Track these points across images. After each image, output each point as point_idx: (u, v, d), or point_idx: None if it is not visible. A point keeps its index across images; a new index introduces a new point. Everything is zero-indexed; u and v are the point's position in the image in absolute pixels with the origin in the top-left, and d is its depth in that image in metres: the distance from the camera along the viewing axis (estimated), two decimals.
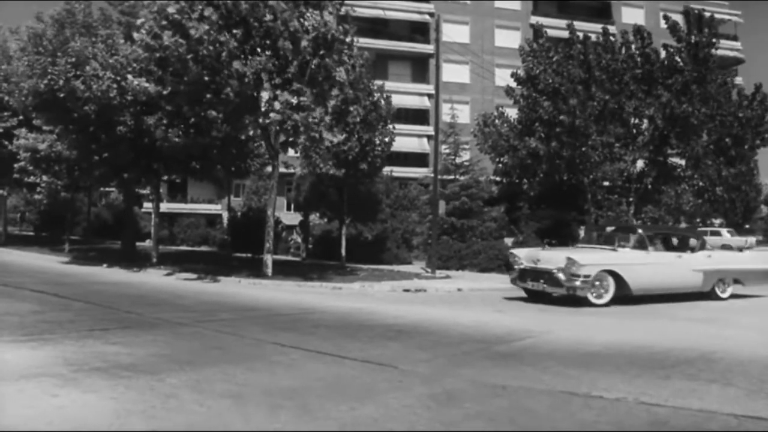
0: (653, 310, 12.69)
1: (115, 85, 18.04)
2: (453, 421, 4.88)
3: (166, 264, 19.85)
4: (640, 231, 14.40)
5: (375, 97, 21.39)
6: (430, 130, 43.54)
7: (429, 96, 47.41)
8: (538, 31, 28.47)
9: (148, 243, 27.48)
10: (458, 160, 28.98)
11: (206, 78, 15.87)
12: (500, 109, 29.06)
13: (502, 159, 28.49)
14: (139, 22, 16.54)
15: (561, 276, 12.74)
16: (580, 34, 26.93)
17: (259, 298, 13.22)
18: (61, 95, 18.44)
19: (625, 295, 13.05)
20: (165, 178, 23.18)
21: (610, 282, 12.91)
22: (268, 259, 17.52)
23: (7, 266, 18.97)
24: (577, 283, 12.61)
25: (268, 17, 15.56)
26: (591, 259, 13.09)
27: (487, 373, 6.54)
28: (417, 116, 48.69)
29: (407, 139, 44.75)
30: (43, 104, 19.55)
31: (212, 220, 42.12)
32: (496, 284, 16.79)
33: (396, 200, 31.38)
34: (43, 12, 20.27)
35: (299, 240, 27.75)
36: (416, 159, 47.07)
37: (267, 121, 16.06)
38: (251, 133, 18.00)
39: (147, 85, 16.58)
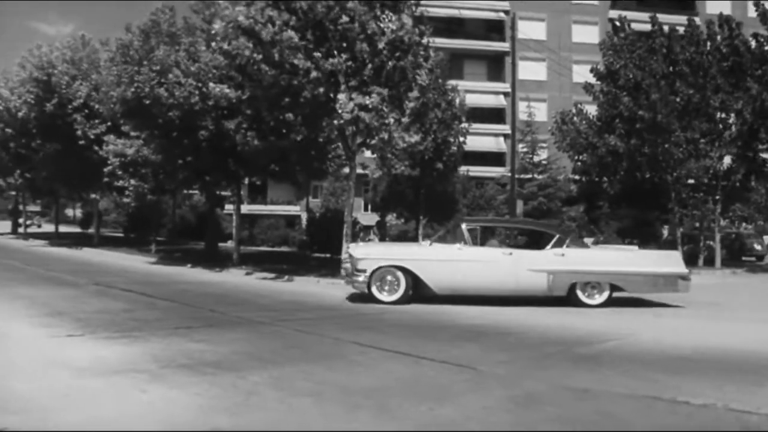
0: (744, 314, 12.19)
1: (196, 92, 18.60)
2: (533, 423, 4.82)
3: (247, 264, 20.34)
4: (462, 225, 12.96)
5: (450, 97, 21.34)
6: (506, 128, 42.99)
7: (505, 94, 46.83)
8: (617, 25, 27.71)
9: (229, 244, 28.19)
10: (536, 159, 28.64)
11: (283, 82, 16.17)
12: (578, 105, 28.42)
13: (580, 157, 27.84)
14: (214, 30, 17.00)
15: (343, 272, 12.47)
16: (664, 27, 26.07)
17: (336, 298, 13.35)
18: (147, 102, 19.15)
19: (433, 295, 12.32)
20: (246, 180, 23.73)
21: (401, 278, 12.14)
22: None
23: (100, 266, 19.83)
24: (360, 278, 12.20)
25: (345, 19, 15.72)
26: (372, 253, 12.57)
27: (568, 376, 6.42)
28: (493, 115, 48.21)
29: (484, 139, 44.39)
30: (130, 111, 20.37)
31: (291, 221, 42.83)
32: None
33: (473, 200, 31.20)
34: (132, 23, 21.10)
35: (376, 240, 27.92)
36: (493, 158, 46.61)
37: (342, 122, 16.24)
38: (328, 135, 18.22)
39: (227, 90, 17.04)
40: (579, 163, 28.48)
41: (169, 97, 18.67)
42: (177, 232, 37.02)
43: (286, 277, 17.49)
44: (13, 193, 43.51)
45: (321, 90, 15.94)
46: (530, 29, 42.35)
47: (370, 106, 15.65)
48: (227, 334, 8.46)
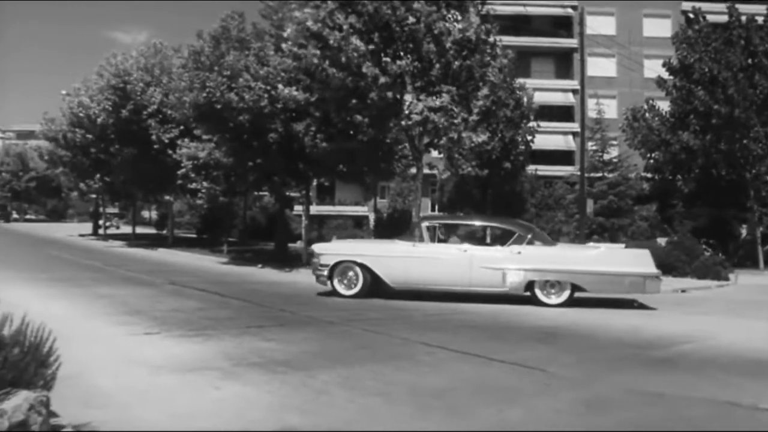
0: None
1: (266, 95, 18.93)
2: (603, 428, 4.73)
3: None
4: (422, 223, 13.53)
5: (518, 95, 21.10)
6: (575, 126, 42.15)
7: (574, 92, 45.91)
8: (691, 17, 26.81)
9: (299, 244, 28.55)
10: (606, 157, 27.96)
11: (350, 84, 16.30)
12: (650, 101, 27.61)
13: (653, 155, 27.03)
14: (285, 33, 17.27)
15: (312, 267, 13.51)
16: (741, 18, 25.06)
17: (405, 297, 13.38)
18: (218, 107, 19.63)
19: (388, 289, 12.89)
20: (314, 181, 24.01)
21: (359, 274, 12.74)
22: None
23: (174, 267, 20.42)
24: (324, 272, 12.99)
25: (411, 20, 15.74)
26: (332, 249, 13.53)
27: (641, 380, 6.26)
28: (562, 113, 47.32)
29: (552, 137, 43.65)
30: (202, 115, 20.93)
31: (359, 222, 43.06)
32: None
33: (541, 199, 30.70)
34: (203, 30, 21.64)
35: None
36: (561, 157, 45.75)
37: (409, 123, 16.27)
38: (395, 135, 18.29)
39: (295, 93, 17.32)
40: (651, 161, 27.67)
41: (240, 101, 19.08)
42: (248, 233, 37.73)
43: None
44: (94, 196, 45.16)
45: (387, 91, 16.01)
46: (599, 24, 41.37)
47: (439, 106, 15.63)
48: (297, 333, 8.59)
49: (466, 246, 12.83)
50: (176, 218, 41.58)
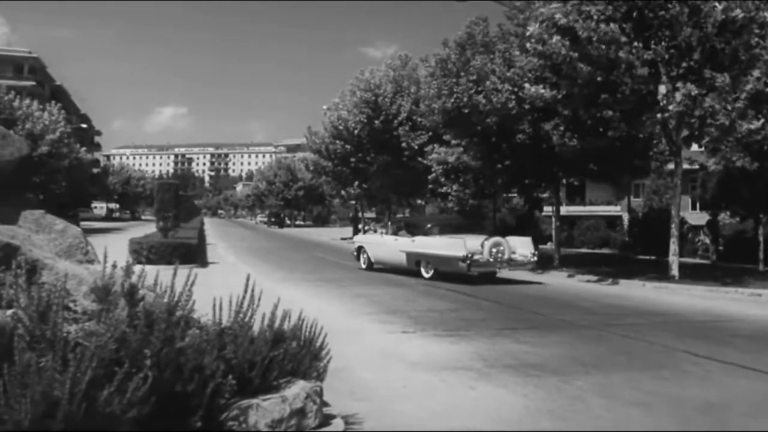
0: None
1: (513, 96, 18.93)
2: None
3: (568, 266, 20.07)
4: (389, 221, 21.12)
5: None
6: None
7: None
8: None
9: (549, 246, 28.13)
10: None
11: (599, 78, 15.66)
12: None
13: None
14: (529, 32, 17.08)
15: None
16: None
17: (665, 303, 12.57)
18: (465, 111, 20.05)
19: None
20: (563, 181, 23.51)
21: (363, 255, 19.50)
22: (674, 261, 16.54)
23: None
24: (354, 253, 20.24)
25: (673, 4, 14.65)
26: (357, 239, 21.66)
27: None
28: None
29: None
30: (451, 121, 21.54)
31: (612, 222, 41.30)
32: None
33: None
34: (448, 38, 22.23)
35: (707, 241, 25.60)
36: None
37: (666, 115, 15.22)
38: (650, 130, 17.24)
39: (542, 91, 17.03)
40: None
41: (487, 103, 19.29)
42: (498, 235, 37.96)
43: (610, 280, 16.89)
44: (353, 202, 48.48)
45: (640, 82, 15.11)
46: None
47: (704, 92, 14.39)
48: (550, 336, 8.46)
49: (399, 236, 17.83)
50: None
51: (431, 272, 16.23)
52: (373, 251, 18.92)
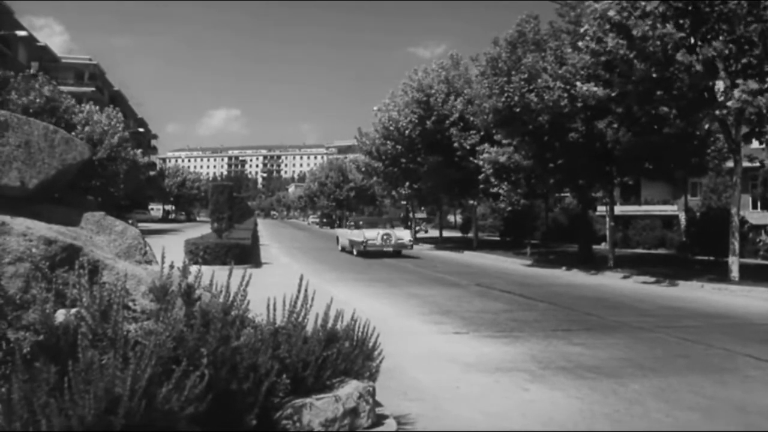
0: None
1: (565, 94, 18.65)
2: None
3: (623, 267, 19.69)
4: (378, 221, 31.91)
5: None
6: None
7: None
8: None
9: (603, 246, 27.66)
10: None
11: (654, 75, 15.29)
12: None
13: None
14: (582, 30, 16.80)
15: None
16: None
17: (725, 305, 12.22)
18: (517, 110, 19.85)
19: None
20: (617, 180, 23.07)
21: (339, 243, 29.19)
22: (734, 262, 16.05)
23: (479, 268, 21.05)
24: (337, 242, 30.63)
25: (732, 1, 14.23)
26: (337, 232, 33.72)
27: None
28: None
29: None
30: (502, 120, 21.34)
31: (668, 222, 40.33)
32: None
33: None
34: (499, 37, 22.05)
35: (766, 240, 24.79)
36: None
37: (724, 112, 14.78)
38: (707, 127, 16.78)
39: (595, 88, 16.73)
40: None
41: (539, 102, 19.06)
42: (550, 235, 37.53)
43: (667, 281, 16.50)
44: (404, 202, 48.51)
45: (697, 79, 14.71)
46: None
47: (765, 88, 13.93)
48: (605, 338, 8.31)
49: (359, 229, 26.34)
50: (479, 221, 42.82)
51: (354, 251, 25.81)
52: (341, 239, 29.16)
